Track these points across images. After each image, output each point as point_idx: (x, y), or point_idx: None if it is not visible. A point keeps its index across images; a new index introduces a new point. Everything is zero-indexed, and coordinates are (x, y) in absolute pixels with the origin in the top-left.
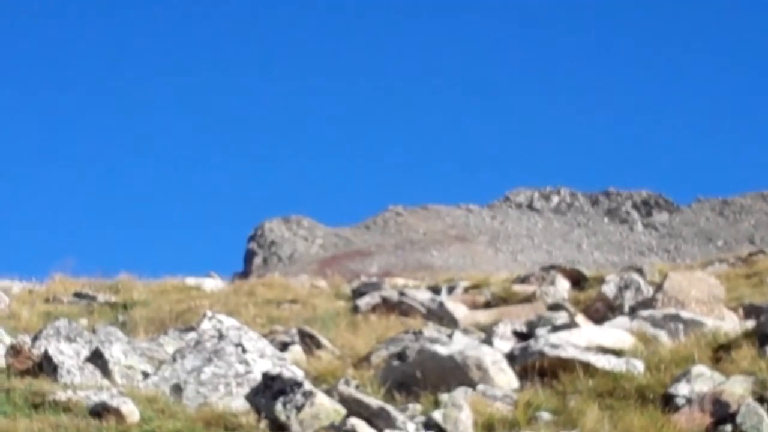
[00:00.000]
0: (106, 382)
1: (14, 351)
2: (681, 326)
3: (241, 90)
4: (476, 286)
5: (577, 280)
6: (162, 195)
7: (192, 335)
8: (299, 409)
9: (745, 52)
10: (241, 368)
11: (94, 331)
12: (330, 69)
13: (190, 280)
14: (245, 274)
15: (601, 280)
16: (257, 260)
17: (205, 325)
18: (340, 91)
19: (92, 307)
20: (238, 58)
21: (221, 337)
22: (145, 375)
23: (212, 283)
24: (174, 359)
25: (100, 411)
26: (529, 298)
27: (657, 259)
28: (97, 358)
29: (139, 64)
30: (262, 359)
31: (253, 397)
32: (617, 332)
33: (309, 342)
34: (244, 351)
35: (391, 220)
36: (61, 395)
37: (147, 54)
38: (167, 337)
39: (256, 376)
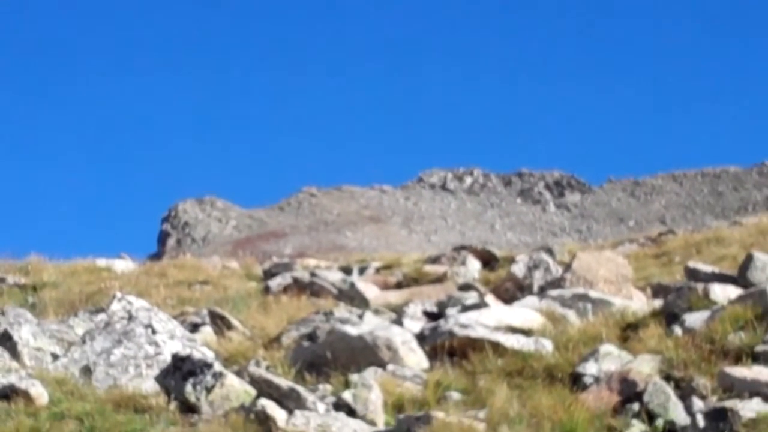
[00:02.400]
0: (14, 364)
1: None
2: (589, 306)
3: (155, 69)
4: (388, 267)
5: (488, 261)
6: (75, 176)
7: (102, 317)
8: (209, 390)
9: (655, 31)
10: (150, 349)
11: (2, 313)
12: (242, 47)
13: (101, 262)
14: (159, 255)
15: (511, 260)
16: (171, 242)
17: (115, 307)
18: (253, 69)
19: (1, 289)
20: (151, 37)
21: (131, 318)
22: (55, 357)
23: (123, 265)
24: (83, 341)
25: (8, 393)
26: (440, 279)
27: (569, 239)
28: (5, 340)
29: (49, 49)
30: (172, 340)
31: (162, 378)
32: (526, 312)
33: (220, 323)
34: (153, 332)
35: (305, 201)
36: None
37: (62, 36)
38: (77, 318)
39: (166, 358)
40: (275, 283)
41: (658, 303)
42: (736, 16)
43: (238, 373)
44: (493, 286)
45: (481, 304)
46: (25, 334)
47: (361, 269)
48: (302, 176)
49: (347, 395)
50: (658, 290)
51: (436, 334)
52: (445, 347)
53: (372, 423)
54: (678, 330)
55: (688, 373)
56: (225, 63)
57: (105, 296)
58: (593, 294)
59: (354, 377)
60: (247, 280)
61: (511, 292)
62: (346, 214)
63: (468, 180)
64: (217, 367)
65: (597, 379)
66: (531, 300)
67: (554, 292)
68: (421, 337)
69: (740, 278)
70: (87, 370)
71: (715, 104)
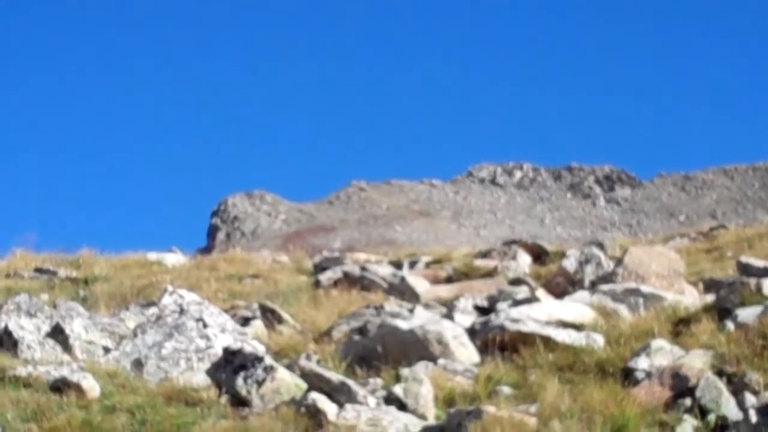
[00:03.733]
0: (66, 358)
1: None
2: (641, 300)
3: (204, 66)
4: (438, 261)
5: (539, 255)
6: (125, 171)
7: (153, 310)
8: (260, 383)
9: (706, 28)
10: (201, 343)
11: (54, 307)
12: (293, 44)
13: (152, 256)
14: (208, 249)
15: (562, 255)
16: (220, 235)
17: (166, 300)
18: (304, 65)
19: (53, 283)
20: (201, 31)
21: (182, 312)
22: (106, 350)
23: (174, 258)
24: (135, 334)
25: (60, 386)
26: (490, 273)
27: (619, 234)
28: (57, 334)
29: (101, 48)
30: (223, 334)
31: (214, 372)
32: (577, 306)
33: (270, 317)
34: (205, 326)
35: (354, 195)
36: (22, 370)
37: (111, 36)
38: (128, 312)
39: (217, 351)
40: (326, 277)
41: (710, 298)
42: None
43: (289, 367)
44: (544, 281)
45: (532, 299)
46: (76, 327)
47: (411, 263)
48: (352, 170)
49: (398, 389)
50: (710, 285)
51: (486, 328)
52: (496, 342)
53: (423, 417)
54: (730, 325)
55: (741, 369)
56: (276, 57)
57: (156, 290)
58: (645, 289)
59: (405, 371)
60: (297, 274)
61: (562, 286)
62: (396, 209)
63: (518, 174)
64: (268, 360)
65: (648, 374)
66: (582, 294)
67: (605, 287)
68: (471, 332)
69: None
70: (138, 364)
71: (766, 97)
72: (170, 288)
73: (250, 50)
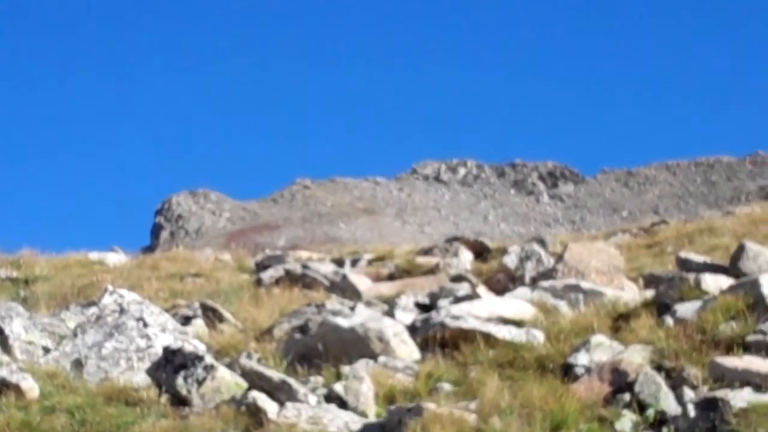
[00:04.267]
0: (6, 358)
1: None
2: (581, 296)
3: (148, 63)
4: (380, 259)
5: (481, 252)
6: (69, 170)
7: (93, 310)
8: (200, 383)
9: (650, 22)
10: (142, 342)
11: None
12: (234, 42)
13: (93, 255)
14: (152, 248)
15: (503, 252)
16: (164, 234)
17: (107, 300)
18: (247, 63)
19: None
20: (144, 32)
21: (122, 311)
22: (46, 350)
23: (115, 258)
24: (75, 334)
25: None
26: (432, 270)
27: (562, 230)
28: None
29: (34, 48)
30: (164, 333)
31: (154, 371)
32: (518, 303)
33: (211, 316)
34: (145, 325)
35: (298, 193)
36: None
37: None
38: (68, 312)
39: (158, 351)
40: (267, 275)
41: (649, 293)
42: (730, 10)
43: (230, 366)
44: (485, 278)
45: (473, 296)
46: (16, 327)
47: (354, 261)
48: (296, 168)
49: (339, 387)
50: (650, 280)
51: (427, 325)
52: (436, 339)
53: (363, 415)
54: (669, 320)
55: (680, 364)
56: (218, 56)
57: (97, 290)
58: (585, 285)
59: (345, 369)
60: (239, 273)
61: (503, 283)
62: (340, 206)
63: (461, 171)
64: (209, 359)
65: (588, 370)
66: (523, 291)
67: (546, 283)
68: (412, 329)
69: (732, 268)
70: (78, 364)
71: (708, 94)
72: (111, 287)
73: (191, 48)
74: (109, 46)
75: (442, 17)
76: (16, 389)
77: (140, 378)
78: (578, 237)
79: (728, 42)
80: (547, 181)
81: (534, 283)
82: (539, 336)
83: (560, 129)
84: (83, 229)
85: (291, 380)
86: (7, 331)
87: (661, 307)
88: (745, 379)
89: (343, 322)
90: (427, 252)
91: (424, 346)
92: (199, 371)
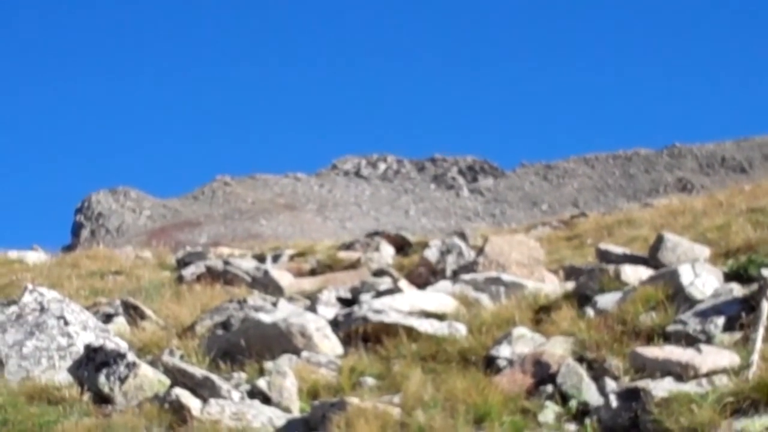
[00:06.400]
0: None
1: None
2: (502, 289)
3: (66, 59)
4: (302, 254)
5: (402, 246)
6: None
7: (13, 309)
8: (123, 380)
9: (563, 16)
10: (63, 341)
11: None
12: (154, 37)
13: (13, 254)
14: (72, 247)
15: (424, 245)
16: (85, 233)
17: (27, 299)
18: (165, 61)
19: None
20: (61, 26)
21: (43, 310)
22: None
23: (35, 257)
24: None
25: None
26: (354, 265)
27: (483, 223)
28: None
29: None
30: (85, 331)
31: (75, 369)
32: (439, 296)
33: (133, 313)
34: (66, 323)
35: (219, 190)
36: None
37: None
38: None
39: (79, 349)
40: (188, 272)
41: (570, 285)
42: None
43: (152, 363)
44: (407, 272)
45: (394, 290)
46: None
47: (275, 257)
48: (216, 165)
49: (262, 383)
50: (571, 272)
51: (350, 320)
52: (359, 333)
53: (287, 410)
54: (590, 311)
55: (601, 354)
56: (138, 53)
57: (17, 288)
58: (506, 277)
59: (268, 365)
60: (160, 270)
61: (424, 276)
62: (261, 203)
63: (381, 166)
64: (131, 357)
65: (511, 362)
66: (444, 284)
67: (467, 276)
68: (335, 324)
69: (651, 259)
70: None
71: (624, 87)
72: (31, 286)
73: (107, 48)
74: (29, 43)
75: (360, 11)
76: None
77: (62, 377)
78: (499, 230)
79: (644, 35)
80: (467, 175)
81: (455, 276)
82: (461, 329)
83: (479, 124)
84: (2, 227)
85: (214, 377)
86: None
87: (581, 298)
88: (666, 369)
89: (265, 318)
90: (348, 247)
91: (346, 341)
92: (122, 369)
